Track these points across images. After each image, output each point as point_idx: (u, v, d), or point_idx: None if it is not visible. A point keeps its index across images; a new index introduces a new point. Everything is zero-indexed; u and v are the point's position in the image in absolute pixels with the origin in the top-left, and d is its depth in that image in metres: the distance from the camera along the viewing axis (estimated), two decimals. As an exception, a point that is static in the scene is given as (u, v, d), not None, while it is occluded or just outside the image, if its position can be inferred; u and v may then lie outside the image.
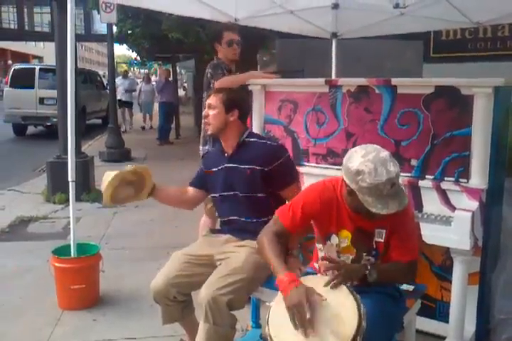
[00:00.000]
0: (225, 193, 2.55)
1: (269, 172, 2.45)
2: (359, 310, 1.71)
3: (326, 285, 1.81)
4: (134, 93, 14.19)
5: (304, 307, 1.71)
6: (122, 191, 2.47)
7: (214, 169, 2.60)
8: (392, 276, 2.00)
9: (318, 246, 2.17)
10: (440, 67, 7.12)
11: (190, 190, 2.68)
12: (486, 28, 7.00)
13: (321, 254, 2.15)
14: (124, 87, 13.66)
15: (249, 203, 2.50)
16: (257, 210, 2.49)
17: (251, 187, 2.48)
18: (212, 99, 2.53)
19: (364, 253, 2.02)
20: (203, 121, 2.70)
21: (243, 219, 2.52)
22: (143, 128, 14.31)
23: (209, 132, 2.58)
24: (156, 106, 13.40)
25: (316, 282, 1.84)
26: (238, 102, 2.57)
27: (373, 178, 1.76)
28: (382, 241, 1.99)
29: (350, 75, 3.19)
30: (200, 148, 3.53)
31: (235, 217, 2.54)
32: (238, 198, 2.51)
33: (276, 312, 1.82)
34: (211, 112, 2.52)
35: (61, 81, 5.68)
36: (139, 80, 18.83)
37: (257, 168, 2.45)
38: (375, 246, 2.01)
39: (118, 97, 12.32)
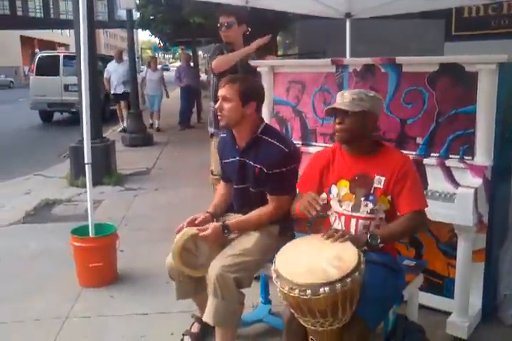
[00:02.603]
0: (239, 186, 2.54)
1: (268, 175, 2.40)
2: (359, 256, 1.83)
3: (334, 240, 1.95)
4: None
5: (310, 200, 2.04)
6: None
7: (228, 160, 2.58)
8: (401, 232, 2.10)
9: (332, 207, 2.28)
10: (462, 46, 6.98)
11: (225, 185, 2.68)
12: (510, 4, 6.82)
13: (332, 219, 2.28)
14: (118, 75, 10.11)
15: (260, 197, 2.49)
16: (263, 204, 2.48)
17: (260, 183, 2.46)
18: (226, 91, 2.37)
19: (362, 198, 2.14)
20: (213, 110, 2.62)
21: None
22: (151, 125, 11.08)
23: (222, 124, 2.44)
24: (165, 100, 11.49)
25: (321, 238, 2.00)
26: (255, 93, 2.43)
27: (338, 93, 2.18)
28: (381, 187, 2.11)
29: (368, 57, 3.16)
30: (210, 129, 3.61)
31: (247, 210, 2.53)
32: (250, 193, 2.51)
33: (285, 252, 1.97)
34: (226, 105, 2.37)
35: (80, 67, 5.78)
36: (143, 67, 15.91)
37: (263, 168, 2.40)
38: (372, 191, 2.12)
39: (112, 91, 10.33)
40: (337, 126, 2.13)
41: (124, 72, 9.87)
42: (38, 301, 3.23)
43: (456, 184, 2.55)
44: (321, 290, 1.71)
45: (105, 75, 10.31)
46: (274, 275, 1.87)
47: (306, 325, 1.88)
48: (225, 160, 2.61)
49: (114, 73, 10.13)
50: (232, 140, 2.53)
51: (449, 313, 2.72)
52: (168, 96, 11.35)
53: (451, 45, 7.24)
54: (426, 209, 2.12)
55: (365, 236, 2.03)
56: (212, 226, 2.39)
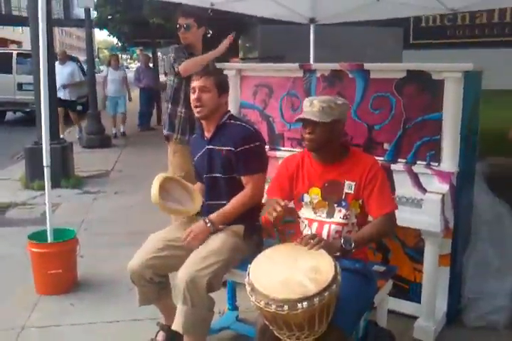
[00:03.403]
0: (207, 176, 2.56)
1: (237, 154, 2.44)
2: (335, 266, 1.81)
3: (310, 248, 1.92)
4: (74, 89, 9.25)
5: (274, 203, 2.00)
6: (170, 196, 2.50)
7: (198, 154, 2.60)
8: (373, 235, 2.11)
9: (300, 214, 2.28)
10: (420, 54, 7.17)
11: (200, 185, 2.69)
12: (465, 15, 7.06)
13: (302, 226, 2.27)
14: (61, 78, 8.47)
15: (226, 185, 2.51)
16: (234, 193, 2.49)
17: (228, 168, 2.48)
18: (204, 82, 2.46)
19: (335, 205, 2.15)
20: (191, 105, 2.55)
21: (222, 201, 2.52)
22: (115, 135, 9.90)
23: (200, 115, 2.49)
24: (132, 103, 10.69)
25: (295, 246, 1.98)
26: (227, 85, 2.59)
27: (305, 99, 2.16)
28: (352, 192, 2.13)
29: (330, 62, 3.19)
30: (164, 131, 3.51)
31: (213, 202, 2.55)
32: (217, 181, 2.52)
33: (258, 264, 1.91)
34: (205, 95, 2.45)
35: (37, 66, 5.59)
36: (102, 67, 14.20)
37: (231, 148, 2.45)
38: (344, 197, 2.14)
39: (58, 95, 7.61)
40: (307, 136, 2.13)
41: (69, 75, 8.92)
42: (-8, 311, 3.08)
43: (423, 190, 2.59)
44: (299, 305, 1.67)
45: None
46: (248, 288, 1.82)
47: (280, 337, 1.85)
48: (196, 156, 2.62)
49: (58, 76, 7.85)
50: (200, 135, 2.60)
51: (414, 317, 2.76)
52: (130, 99, 10.58)
53: (410, 53, 7.42)
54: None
55: (338, 242, 2.02)
56: (195, 226, 2.43)
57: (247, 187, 2.46)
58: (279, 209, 1.97)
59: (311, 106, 2.09)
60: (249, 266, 1.92)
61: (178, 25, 3.39)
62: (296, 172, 2.25)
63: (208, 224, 2.43)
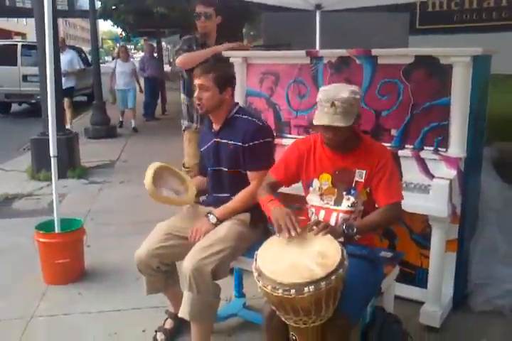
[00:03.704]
0: (213, 168, 2.56)
1: (245, 149, 2.43)
2: (342, 251, 1.81)
3: (315, 234, 1.91)
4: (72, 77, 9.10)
5: (291, 217, 1.94)
6: (165, 185, 2.49)
7: (205, 146, 2.60)
8: (377, 223, 2.09)
9: (307, 201, 2.26)
10: (427, 39, 7.08)
11: (201, 179, 2.71)
12: (472, -1, 6.96)
13: (309, 213, 2.25)
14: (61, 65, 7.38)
15: (233, 179, 2.51)
16: (237, 187, 2.49)
17: (234, 162, 2.48)
18: (202, 80, 2.42)
19: (344, 192, 2.14)
20: (194, 101, 2.60)
21: (227, 194, 2.53)
22: (120, 124, 9.82)
23: (202, 112, 2.50)
24: (140, 96, 10.37)
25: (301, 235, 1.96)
26: (230, 79, 2.52)
27: (321, 95, 2.03)
28: (362, 181, 2.11)
29: (336, 49, 3.15)
30: (184, 122, 3.55)
31: (225, 195, 2.54)
32: (223, 174, 2.52)
33: (265, 249, 1.91)
34: (205, 94, 2.43)
35: (42, 57, 5.58)
36: (109, 58, 14.05)
37: (238, 143, 2.44)
38: (354, 185, 2.12)
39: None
40: (329, 137, 2.07)
41: (68, 62, 8.77)
42: (1, 301, 3.09)
43: (431, 175, 2.56)
44: (306, 289, 1.67)
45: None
46: (255, 274, 1.82)
47: (287, 323, 1.85)
48: (203, 148, 2.62)
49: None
50: (208, 127, 2.59)
51: (420, 302, 2.76)
52: (141, 91, 10.33)
53: (416, 38, 7.32)
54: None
55: (341, 227, 2.01)
56: (200, 224, 2.43)
57: (253, 183, 2.45)
58: (299, 230, 1.91)
59: (333, 108, 1.97)
60: (256, 252, 1.91)
61: (197, 14, 3.40)
62: (306, 156, 2.22)
63: (211, 217, 2.43)
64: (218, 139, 2.51)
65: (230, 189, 2.52)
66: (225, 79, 2.47)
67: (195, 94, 2.47)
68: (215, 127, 2.55)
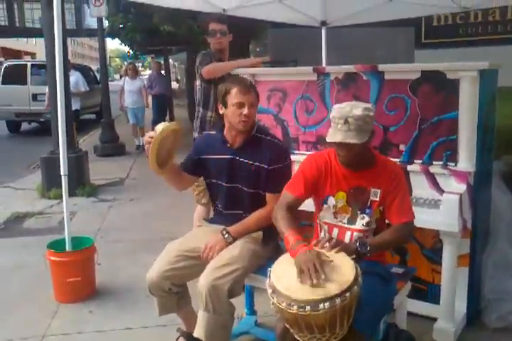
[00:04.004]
0: (230, 185, 2.52)
1: (269, 172, 2.43)
2: (356, 268, 1.81)
3: (327, 251, 1.89)
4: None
5: (316, 263, 1.80)
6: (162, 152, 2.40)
7: (212, 156, 2.54)
8: (390, 241, 2.09)
9: (319, 218, 2.23)
10: (432, 53, 7.13)
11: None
12: (477, 12, 7.00)
13: (320, 230, 2.24)
14: None
15: (253, 199, 2.49)
16: (255, 206, 2.49)
17: (256, 183, 2.47)
18: (254, 97, 2.42)
19: (359, 212, 2.12)
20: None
21: (240, 211, 2.52)
22: (138, 147, 9.37)
23: (246, 129, 2.43)
24: (148, 113, 10.15)
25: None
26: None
27: (334, 112, 2.02)
28: (377, 200, 2.10)
29: (343, 64, 3.18)
30: (195, 135, 3.58)
31: (239, 211, 2.53)
32: (243, 193, 2.50)
33: (279, 266, 1.92)
34: (253, 110, 2.42)
35: (52, 77, 5.66)
36: (117, 76, 13.40)
37: (263, 165, 2.43)
38: (369, 205, 2.11)
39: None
40: (343, 155, 2.06)
41: (74, 83, 8.58)
42: (11, 319, 3.10)
43: (441, 190, 2.56)
44: (321, 305, 1.67)
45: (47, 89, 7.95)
46: (269, 291, 1.82)
47: (301, 340, 1.84)
48: (206, 156, 2.56)
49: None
50: (221, 139, 2.53)
51: (432, 319, 2.73)
52: (148, 106, 9.99)
53: (422, 52, 7.37)
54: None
55: (354, 244, 2.00)
56: (212, 240, 2.42)
57: (270, 205, 2.43)
58: (323, 277, 1.77)
59: (347, 125, 1.96)
60: (269, 269, 1.92)
61: (211, 30, 3.48)
62: (325, 170, 2.18)
63: (226, 235, 2.43)
64: (237, 157, 2.48)
65: (248, 207, 2.51)
66: (258, 95, 2.51)
67: (245, 111, 2.37)
68: (232, 142, 2.50)
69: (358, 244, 1.99)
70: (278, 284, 1.80)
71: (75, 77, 9.09)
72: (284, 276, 1.84)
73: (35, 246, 4.15)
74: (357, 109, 2.00)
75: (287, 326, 1.84)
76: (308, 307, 1.68)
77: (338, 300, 1.68)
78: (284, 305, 1.72)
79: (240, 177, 2.49)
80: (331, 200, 2.18)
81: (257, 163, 2.44)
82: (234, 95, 2.38)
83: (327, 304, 1.67)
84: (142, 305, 3.11)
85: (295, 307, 1.69)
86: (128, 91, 9.44)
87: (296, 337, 1.84)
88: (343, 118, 1.97)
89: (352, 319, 1.80)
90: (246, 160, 2.46)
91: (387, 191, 2.09)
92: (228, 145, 2.51)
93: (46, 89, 8.22)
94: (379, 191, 2.10)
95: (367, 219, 2.12)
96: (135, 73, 9.64)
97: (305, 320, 1.72)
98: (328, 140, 2.02)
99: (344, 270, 1.79)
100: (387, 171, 2.12)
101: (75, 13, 24.85)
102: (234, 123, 2.42)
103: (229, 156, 2.50)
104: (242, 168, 2.47)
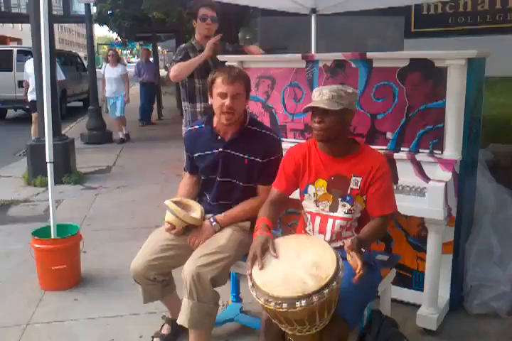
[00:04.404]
0: (222, 179, 2.48)
1: (262, 165, 2.40)
2: (338, 261, 1.78)
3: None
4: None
5: (257, 250, 1.90)
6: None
7: (203, 153, 2.50)
8: (376, 237, 2.12)
9: (303, 207, 2.24)
10: (422, 42, 7.11)
11: (190, 177, 2.65)
12: (466, 2, 7.00)
13: (305, 219, 2.25)
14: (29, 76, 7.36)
15: (247, 192, 2.47)
16: (247, 198, 2.47)
17: (249, 177, 2.44)
18: (238, 88, 2.31)
19: (339, 199, 2.12)
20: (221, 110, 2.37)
21: (230, 202, 2.51)
22: (121, 140, 8.94)
23: (230, 122, 2.34)
24: (133, 97, 9.50)
25: (298, 239, 2.03)
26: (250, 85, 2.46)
27: (314, 89, 2.10)
28: (358, 188, 2.10)
29: (332, 52, 3.15)
30: (184, 129, 3.55)
31: (227, 202, 2.51)
32: (236, 186, 2.47)
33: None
34: (238, 102, 2.32)
35: (38, 63, 5.58)
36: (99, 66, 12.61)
37: (257, 159, 2.40)
38: (349, 192, 2.11)
39: (29, 97, 7.71)
40: (316, 125, 2.06)
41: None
42: (-3, 307, 3.08)
43: (427, 178, 2.56)
44: (298, 303, 1.66)
45: (24, 77, 8.04)
46: (249, 284, 1.82)
47: (284, 330, 1.84)
48: (199, 153, 2.52)
49: (31, 77, 6.86)
50: (211, 132, 2.47)
51: (416, 305, 2.76)
52: (128, 101, 9.15)
53: (411, 41, 7.37)
54: (397, 203, 2.14)
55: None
56: (202, 229, 2.40)
57: (260, 195, 2.42)
58: (259, 266, 1.86)
59: (321, 95, 2.03)
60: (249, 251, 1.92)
61: (203, 16, 3.45)
62: (302, 163, 2.20)
63: (214, 223, 2.42)
64: (228, 150, 2.43)
65: (237, 200, 2.49)
66: (249, 86, 2.41)
67: (227, 102, 2.29)
68: (224, 135, 2.45)
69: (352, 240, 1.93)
70: (257, 278, 1.79)
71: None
72: (265, 269, 1.83)
73: (21, 234, 4.12)
74: (334, 85, 2.11)
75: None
76: (285, 305, 1.67)
77: (315, 298, 1.66)
78: (262, 300, 1.72)
79: (232, 171, 2.45)
80: (311, 188, 2.18)
81: (251, 157, 2.40)
82: (218, 85, 2.32)
83: (304, 302, 1.66)
84: (128, 293, 3.10)
85: (272, 304, 1.69)
86: (107, 79, 8.98)
87: (279, 326, 1.85)
88: (318, 91, 2.06)
89: (335, 309, 1.80)
90: (238, 154, 2.42)
91: (368, 181, 2.08)
92: (219, 137, 2.45)
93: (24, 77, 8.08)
94: (359, 179, 2.09)
95: (348, 206, 2.12)
96: (115, 59, 9.07)
97: (283, 315, 1.72)
98: (302, 109, 2.11)
99: (324, 264, 1.77)
100: (369, 160, 2.11)
101: (62, -1, 24.45)
102: (217, 115, 2.37)
103: (221, 150, 2.44)
104: (235, 162, 2.42)
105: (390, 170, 2.16)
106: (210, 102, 2.43)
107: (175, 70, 3.37)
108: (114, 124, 9.22)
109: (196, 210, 2.47)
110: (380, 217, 2.08)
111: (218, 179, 2.49)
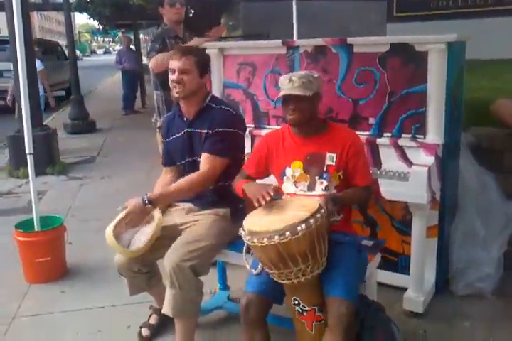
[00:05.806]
0: (189, 159, 2.49)
1: (212, 134, 2.38)
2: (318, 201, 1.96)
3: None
4: None
5: (262, 188, 2.04)
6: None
7: (174, 136, 2.52)
8: (356, 198, 2.20)
9: (284, 190, 2.26)
10: (404, 27, 7.10)
11: (166, 172, 2.62)
12: (448, -14, 6.99)
13: (284, 196, 2.26)
14: None
15: None
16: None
17: None
18: (184, 63, 2.34)
19: (316, 177, 2.17)
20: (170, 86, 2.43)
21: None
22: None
23: (179, 95, 2.39)
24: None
25: (282, 200, 2.13)
26: (208, 65, 2.51)
27: (280, 78, 2.17)
28: (334, 164, 2.15)
29: (314, 38, 3.13)
30: (158, 120, 3.52)
31: None
32: (197, 164, 2.45)
33: (249, 218, 2.02)
34: (186, 77, 2.34)
35: (15, 52, 5.46)
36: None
37: (207, 131, 2.39)
38: (325, 169, 2.15)
39: None
40: (290, 112, 2.13)
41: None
42: (-20, 302, 3.05)
43: (410, 163, 2.58)
44: (299, 228, 1.79)
45: None
46: (247, 237, 1.89)
47: (285, 281, 1.91)
48: (172, 137, 2.53)
49: None
50: (179, 115, 2.51)
51: (402, 289, 2.79)
52: (52, 105, 8.53)
53: (393, 26, 7.35)
54: (381, 188, 2.28)
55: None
56: (132, 203, 2.37)
57: (204, 167, 2.36)
58: (272, 193, 2.00)
59: (291, 83, 2.09)
60: (241, 228, 1.96)
61: (171, 1, 3.46)
62: (275, 148, 2.26)
63: (147, 205, 2.33)
64: (191, 129, 2.44)
65: None
66: (205, 64, 2.44)
67: (174, 77, 2.35)
68: (188, 116, 2.47)
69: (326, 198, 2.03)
70: (253, 227, 1.89)
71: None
72: (259, 220, 1.96)
73: (4, 226, 4.05)
74: (299, 72, 2.21)
75: (268, 270, 1.92)
76: (288, 233, 1.79)
77: (312, 221, 1.82)
78: (265, 240, 1.80)
79: (195, 149, 2.45)
80: (288, 171, 2.21)
81: (205, 130, 2.40)
82: (170, 62, 2.40)
83: (303, 225, 1.80)
84: (114, 284, 3.07)
85: (276, 237, 1.79)
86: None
87: (278, 280, 1.93)
88: (287, 78, 2.11)
89: (326, 257, 1.93)
90: (197, 130, 2.44)
91: (344, 156, 2.15)
92: (185, 119, 2.49)
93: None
94: (334, 155, 2.15)
95: (325, 183, 2.16)
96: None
97: (287, 249, 1.81)
98: (276, 98, 2.17)
99: (310, 204, 1.95)
100: (342, 136, 2.18)
101: (40, -14, 23.92)
102: (172, 91, 2.42)
103: (185, 130, 2.47)
104: (196, 139, 2.44)
105: (363, 145, 2.27)
106: None
107: (153, 64, 3.39)
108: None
109: (150, 224, 2.38)
110: (365, 187, 2.17)
111: (187, 160, 2.50)
